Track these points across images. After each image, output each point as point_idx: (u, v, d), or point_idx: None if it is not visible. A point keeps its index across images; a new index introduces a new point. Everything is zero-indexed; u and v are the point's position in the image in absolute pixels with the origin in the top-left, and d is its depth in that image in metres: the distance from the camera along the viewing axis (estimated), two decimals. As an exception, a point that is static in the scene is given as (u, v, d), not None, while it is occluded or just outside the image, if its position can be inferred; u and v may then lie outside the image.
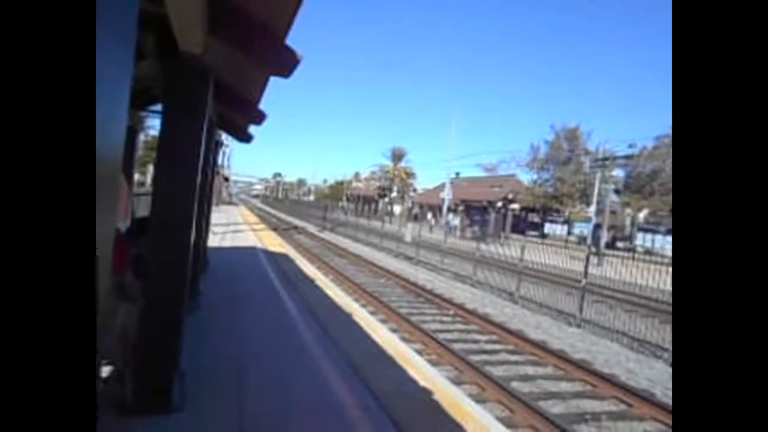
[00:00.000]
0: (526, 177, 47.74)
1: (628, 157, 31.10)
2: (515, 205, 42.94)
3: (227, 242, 14.19)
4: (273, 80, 3.82)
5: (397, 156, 62.91)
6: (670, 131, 40.61)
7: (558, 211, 42.65)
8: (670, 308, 8.61)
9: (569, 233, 37.80)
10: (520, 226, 41.01)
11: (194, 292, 5.72)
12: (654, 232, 32.77)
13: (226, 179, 46.92)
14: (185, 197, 3.14)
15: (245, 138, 7.48)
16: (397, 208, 53.73)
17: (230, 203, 54.46)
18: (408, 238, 22.53)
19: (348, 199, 74.33)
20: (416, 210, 53.09)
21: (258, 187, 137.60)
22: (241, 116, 6.01)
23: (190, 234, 3.22)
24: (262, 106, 5.16)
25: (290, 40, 2.97)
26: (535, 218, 44.30)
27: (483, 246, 16.01)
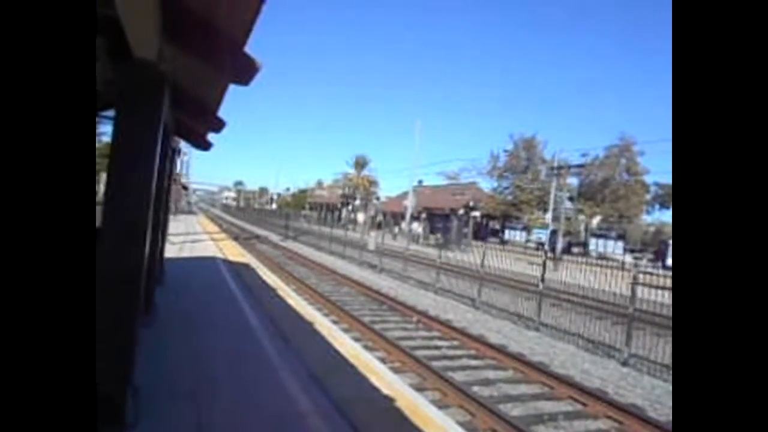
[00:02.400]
0: (486, 185, 49.12)
1: (581, 165, 32.60)
2: (476, 213, 43.91)
3: (186, 252, 13.74)
4: (233, 86, 3.77)
5: (360, 164, 63.07)
6: (619, 141, 42.88)
7: (517, 218, 43.97)
8: (621, 310, 9.02)
9: (528, 239, 38.96)
10: (482, 232, 41.94)
11: (149, 305, 5.51)
12: (606, 237, 34.31)
13: (185, 187, 45.55)
14: (139, 206, 3.04)
15: (204, 145, 7.31)
16: (360, 216, 53.69)
17: (189, 212, 52.78)
18: (371, 246, 22.55)
19: (311, 208, 73.67)
20: (380, 218, 53.26)
21: (228, 194, 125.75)
22: (200, 123, 5.88)
23: (144, 244, 3.11)
24: (222, 113, 5.08)
25: (250, 47, 2.95)
26: (495, 225, 45.46)
27: (445, 253, 16.25)
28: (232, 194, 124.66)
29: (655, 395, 6.36)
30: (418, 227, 40.69)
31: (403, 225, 41.84)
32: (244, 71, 3.13)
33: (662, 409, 5.84)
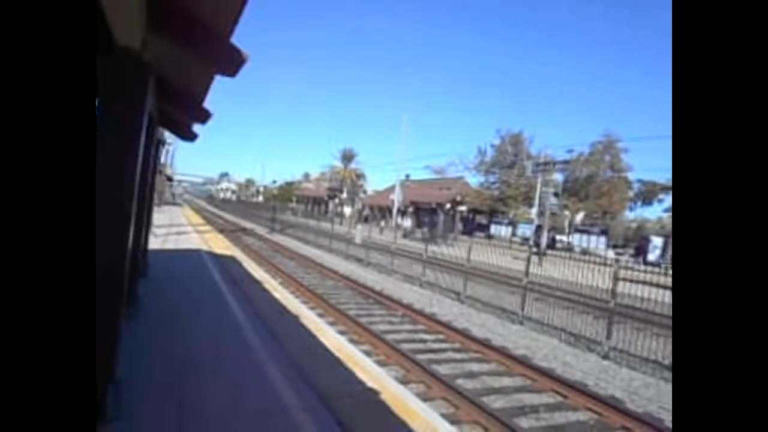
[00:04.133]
0: (473, 180, 49.27)
1: (566, 162, 32.93)
2: (463, 207, 44.15)
3: (170, 245, 13.58)
4: (219, 78, 3.74)
5: (347, 157, 62.80)
6: (603, 138, 43.41)
7: (503, 212, 44.30)
8: (602, 304, 9.18)
9: (513, 234, 39.35)
10: (468, 227, 42.21)
11: (132, 298, 5.44)
12: (589, 233, 34.84)
13: (170, 179, 44.84)
14: (122, 197, 3.00)
15: (189, 136, 7.22)
16: (347, 210, 53.62)
17: (174, 204, 52.06)
18: (358, 240, 22.55)
19: (297, 201, 73.26)
20: (366, 211, 53.22)
21: (227, 185, 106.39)
22: (185, 114, 5.80)
23: (128, 236, 3.08)
24: (208, 104, 5.02)
25: (237, 37, 2.92)
26: (482, 220, 45.76)
27: (432, 247, 16.34)
28: (232, 186, 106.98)
29: (634, 387, 6.52)
30: (406, 221, 40.78)
31: (396, 221, 41.82)
32: (230, 62, 3.10)
33: (639, 401, 5.99)
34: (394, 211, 39.90)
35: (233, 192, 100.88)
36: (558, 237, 35.97)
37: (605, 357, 7.86)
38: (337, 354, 5.09)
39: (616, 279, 8.67)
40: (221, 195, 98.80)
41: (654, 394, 6.26)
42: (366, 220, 45.76)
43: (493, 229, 41.92)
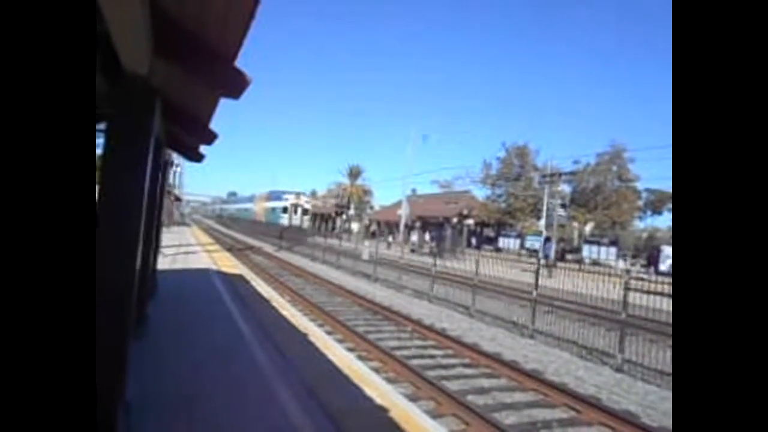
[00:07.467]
0: (480, 193, 49.29)
1: (572, 173, 32.85)
2: (470, 221, 43.99)
3: (179, 264, 13.66)
4: (224, 98, 3.81)
5: (354, 173, 63.11)
6: (610, 148, 43.28)
7: (511, 225, 44.12)
8: (614, 316, 9.06)
9: (522, 246, 39.06)
10: (476, 240, 42.00)
11: (141, 318, 5.48)
12: (599, 244, 34.44)
13: (178, 199, 45.32)
14: (130, 219, 3.05)
15: (196, 157, 7.32)
16: (354, 226, 53.65)
17: (183, 224, 52.45)
18: (365, 256, 22.51)
19: (305, 217, 73.22)
20: (374, 227, 53.24)
21: (299, 202, 56.91)
22: (192, 136, 5.89)
23: (136, 257, 3.11)
24: (214, 124, 5.11)
25: (243, 58, 2.99)
26: (489, 233, 45.55)
27: (440, 261, 16.27)
28: (304, 203, 58.91)
29: (649, 401, 6.39)
30: (413, 236, 40.69)
31: (404, 236, 41.62)
32: (234, 85, 3.16)
33: (655, 415, 5.86)
34: (401, 226, 39.88)
35: (305, 213, 58.09)
36: (567, 248, 35.63)
37: (619, 370, 7.72)
38: (346, 371, 5.06)
39: (626, 290, 8.56)
40: (283, 220, 53.78)
41: (670, 408, 6.12)
42: (373, 235, 45.75)
43: (502, 242, 41.66)
